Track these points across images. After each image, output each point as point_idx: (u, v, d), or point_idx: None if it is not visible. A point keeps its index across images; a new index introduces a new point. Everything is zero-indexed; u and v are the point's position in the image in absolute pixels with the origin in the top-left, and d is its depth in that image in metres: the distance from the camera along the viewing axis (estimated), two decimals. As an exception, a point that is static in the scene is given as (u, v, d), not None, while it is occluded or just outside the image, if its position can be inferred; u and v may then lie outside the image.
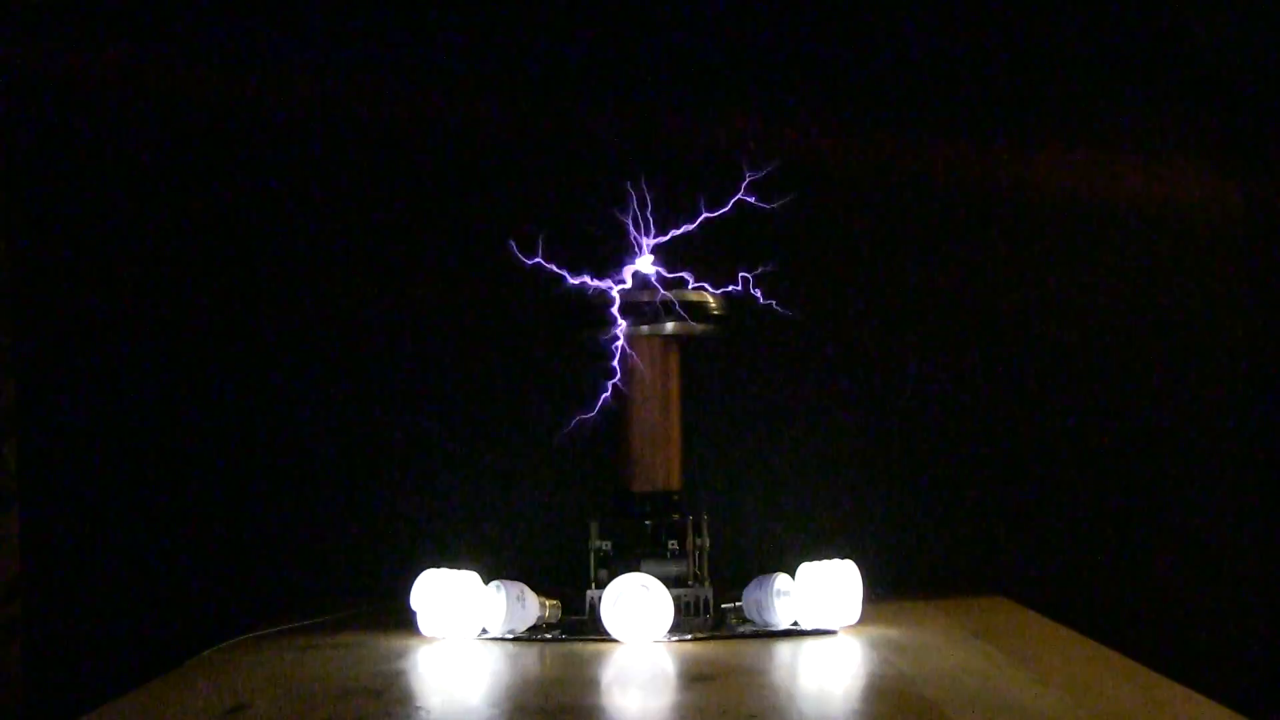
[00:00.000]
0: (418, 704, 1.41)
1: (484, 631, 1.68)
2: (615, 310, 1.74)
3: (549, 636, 1.69)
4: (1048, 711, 1.29)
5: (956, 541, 2.13)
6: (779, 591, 1.70)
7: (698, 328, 1.76)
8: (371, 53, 2.12)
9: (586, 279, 1.77)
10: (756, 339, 2.10)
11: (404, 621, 1.71)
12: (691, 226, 1.91)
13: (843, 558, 1.71)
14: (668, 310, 1.73)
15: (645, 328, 1.75)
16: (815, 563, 1.70)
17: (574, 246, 1.81)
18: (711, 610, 1.72)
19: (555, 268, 1.78)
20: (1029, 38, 2.15)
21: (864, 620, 1.70)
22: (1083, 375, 2.15)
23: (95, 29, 2.11)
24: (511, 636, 1.68)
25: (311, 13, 2.11)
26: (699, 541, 1.73)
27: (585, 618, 1.71)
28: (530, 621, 1.69)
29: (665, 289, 1.74)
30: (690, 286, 1.76)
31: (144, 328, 2.10)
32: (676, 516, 1.74)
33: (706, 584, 1.72)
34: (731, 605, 1.75)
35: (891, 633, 1.68)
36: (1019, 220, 2.16)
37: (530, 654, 1.61)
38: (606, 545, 1.73)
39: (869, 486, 2.13)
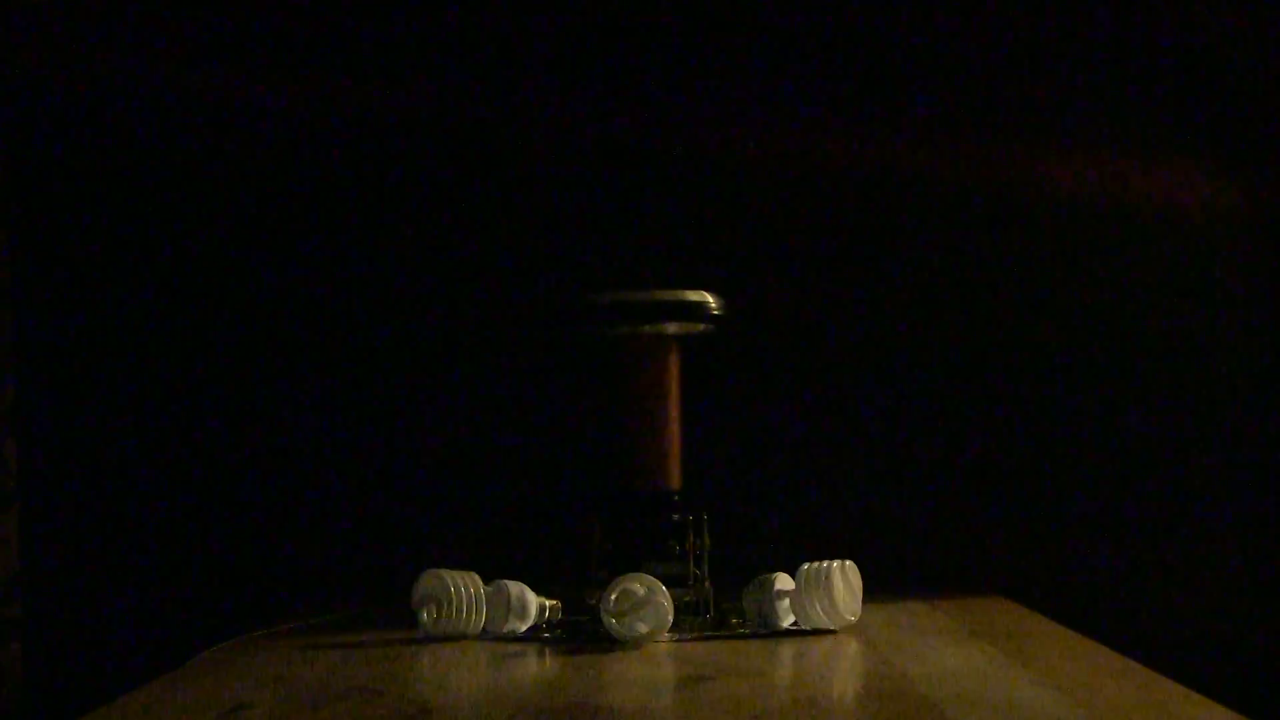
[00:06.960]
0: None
1: (484, 632, 1.68)
2: (616, 310, 1.73)
3: (549, 636, 1.68)
4: (1048, 711, 1.29)
5: (956, 541, 2.13)
6: (779, 591, 1.69)
7: (698, 327, 1.76)
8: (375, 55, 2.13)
9: (587, 279, 1.77)
10: (757, 338, 2.10)
11: (404, 621, 1.71)
12: (691, 223, 1.91)
13: (843, 558, 1.71)
14: (668, 310, 1.73)
15: (646, 327, 1.74)
16: (815, 563, 1.69)
17: (575, 245, 1.81)
18: (711, 610, 1.72)
19: (557, 265, 1.78)
20: (1026, 35, 2.15)
21: (864, 620, 1.70)
22: (1083, 374, 2.15)
23: (95, 28, 2.10)
24: (511, 636, 1.68)
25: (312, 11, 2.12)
26: (699, 541, 1.73)
27: (585, 618, 1.70)
28: (530, 621, 1.69)
29: (665, 289, 1.74)
30: (690, 286, 1.75)
31: (145, 327, 2.10)
32: (676, 516, 1.73)
33: (706, 584, 1.72)
34: (731, 605, 1.75)
35: (891, 633, 1.68)
36: (1018, 219, 2.16)
37: (530, 654, 1.61)
38: (607, 545, 1.73)
39: (869, 486, 2.13)
